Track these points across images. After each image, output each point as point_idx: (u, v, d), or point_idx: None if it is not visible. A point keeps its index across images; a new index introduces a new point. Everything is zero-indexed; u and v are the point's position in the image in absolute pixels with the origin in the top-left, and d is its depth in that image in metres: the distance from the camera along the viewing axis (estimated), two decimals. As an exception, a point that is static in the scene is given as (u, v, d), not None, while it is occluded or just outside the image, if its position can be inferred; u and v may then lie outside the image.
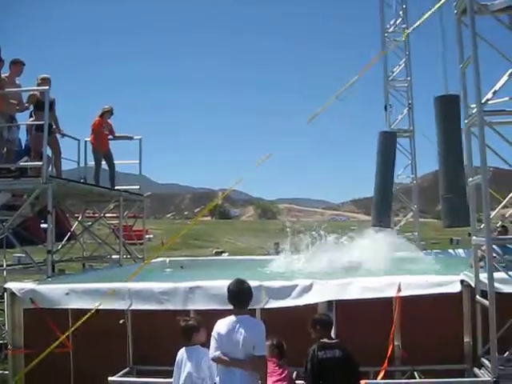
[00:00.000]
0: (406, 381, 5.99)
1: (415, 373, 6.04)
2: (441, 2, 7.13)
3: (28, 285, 7.17)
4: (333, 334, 5.21)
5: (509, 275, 5.90)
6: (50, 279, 7.82)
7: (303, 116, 6.46)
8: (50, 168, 9.02)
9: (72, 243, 10.93)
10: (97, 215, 11.25)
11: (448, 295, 6.13)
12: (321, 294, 6.34)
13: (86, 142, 11.02)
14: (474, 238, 6.28)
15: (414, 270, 8.59)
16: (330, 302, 6.26)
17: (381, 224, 11.99)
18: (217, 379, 4.62)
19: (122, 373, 6.31)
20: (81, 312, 6.39)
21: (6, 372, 7.12)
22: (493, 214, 5.95)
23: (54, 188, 8.17)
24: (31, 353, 6.56)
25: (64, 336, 6.36)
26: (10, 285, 7.13)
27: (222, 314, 4.80)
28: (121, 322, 6.50)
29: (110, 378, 6.00)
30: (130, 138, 11.40)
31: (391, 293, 6.24)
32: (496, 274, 5.77)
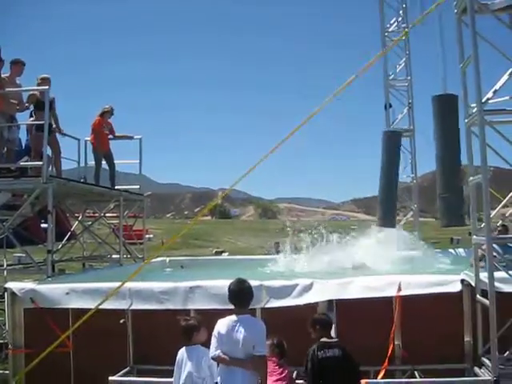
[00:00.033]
0: (406, 380, 5.99)
1: (415, 372, 6.04)
2: (439, 1, 7.12)
3: (28, 284, 7.18)
4: (333, 334, 5.22)
5: (509, 274, 5.89)
6: (50, 279, 7.82)
7: (303, 116, 6.45)
8: (50, 168, 9.02)
9: (72, 243, 10.93)
10: (97, 215, 11.26)
11: (448, 294, 6.13)
12: (321, 293, 6.34)
13: (86, 141, 11.02)
14: (475, 237, 6.28)
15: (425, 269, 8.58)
16: (330, 302, 6.25)
17: (386, 223, 11.94)
18: (218, 379, 4.63)
19: (122, 372, 6.31)
20: (81, 312, 6.39)
21: (7, 372, 7.12)
22: (493, 213, 5.96)
23: (54, 188, 8.17)
24: (31, 352, 6.55)
25: (64, 336, 6.36)
26: (11, 284, 7.14)
27: (223, 313, 4.80)
28: (121, 321, 6.50)
29: (110, 378, 6.00)
30: (131, 138, 11.41)
31: (391, 292, 6.24)
32: (496, 274, 5.77)
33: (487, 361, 5.75)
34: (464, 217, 10.45)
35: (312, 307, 6.17)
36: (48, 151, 8.69)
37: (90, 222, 11.18)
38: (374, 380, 5.78)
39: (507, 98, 6.12)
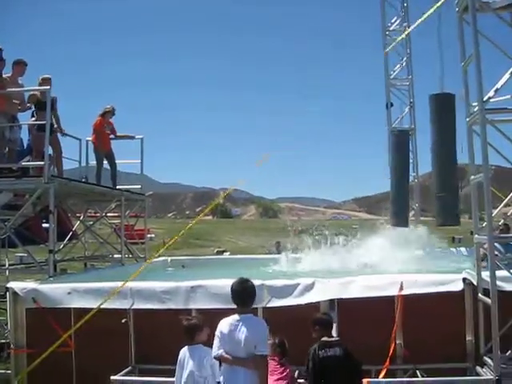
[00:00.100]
0: (407, 379, 5.99)
1: (417, 371, 6.03)
2: (440, 2, 7.12)
3: (30, 284, 7.19)
4: (335, 333, 5.22)
5: (511, 273, 5.89)
6: (51, 279, 7.83)
7: (303, 116, 6.45)
8: (52, 168, 9.03)
9: (74, 243, 10.93)
10: (98, 215, 11.27)
11: (450, 293, 6.12)
12: (323, 292, 6.34)
13: (87, 141, 11.02)
14: (476, 236, 6.27)
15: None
16: (331, 301, 6.25)
17: (399, 223, 11.92)
18: (221, 378, 4.63)
19: (124, 372, 6.32)
20: (83, 311, 6.40)
21: (9, 371, 7.13)
22: (495, 212, 5.95)
23: (56, 188, 8.18)
24: (33, 352, 6.57)
25: (66, 335, 6.37)
26: (12, 284, 7.14)
27: (224, 312, 4.81)
28: (123, 321, 6.51)
29: (112, 377, 6.01)
30: (132, 138, 11.41)
31: (393, 291, 6.24)
32: (498, 272, 5.76)
33: (489, 360, 5.75)
34: (459, 216, 10.49)
35: (314, 306, 6.17)
36: (50, 151, 8.70)
37: (91, 222, 11.20)
38: (376, 379, 5.78)
39: (508, 96, 6.11)
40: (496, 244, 5.98)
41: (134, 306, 6.56)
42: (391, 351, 6.02)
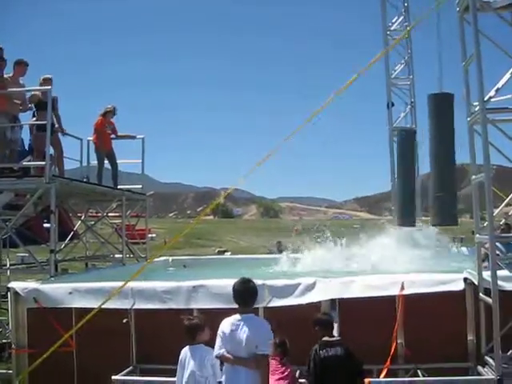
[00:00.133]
0: (409, 379, 5.98)
1: (418, 371, 6.03)
2: (441, 2, 7.11)
3: (31, 284, 7.19)
4: (336, 333, 5.22)
5: (512, 273, 5.89)
6: (53, 278, 7.83)
7: (303, 116, 6.45)
8: (53, 167, 9.03)
9: (75, 242, 10.94)
10: (99, 214, 11.27)
11: (451, 293, 6.12)
12: (324, 292, 6.34)
13: (88, 141, 11.02)
14: (478, 235, 6.26)
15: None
16: (333, 301, 6.25)
17: (405, 223, 11.91)
18: (223, 378, 4.64)
19: (125, 371, 6.32)
20: (84, 311, 6.40)
21: (10, 371, 7.14)
22: (496, 211, 5.95)
23: (57, 187, 8.18)
24: (35, 352, 6.57)
25: (67, 335, 6.37)
26: (14, 284, 7.15)
27: (225, 312, 4.81)
28: (124, 321, 6.51)
29: (113, 377, 6.01)
30: (133, 138, 11.42)
31: (394, 291, 6.24)
32: (499, 272, 5.76)
33: (490, 360, 5.74)
34: (457, 216, 10.49)
35: (315, 306, 6.17)
36: (51, 151, 8.71)
37: (92, 222, 11.20)
38: (377, 379, 5.77)
39: (509, 96, 6.10)
40: (497, 244, 5.97)
41: (136, 306, 6.56)
42: (392, 351, 6.02)
